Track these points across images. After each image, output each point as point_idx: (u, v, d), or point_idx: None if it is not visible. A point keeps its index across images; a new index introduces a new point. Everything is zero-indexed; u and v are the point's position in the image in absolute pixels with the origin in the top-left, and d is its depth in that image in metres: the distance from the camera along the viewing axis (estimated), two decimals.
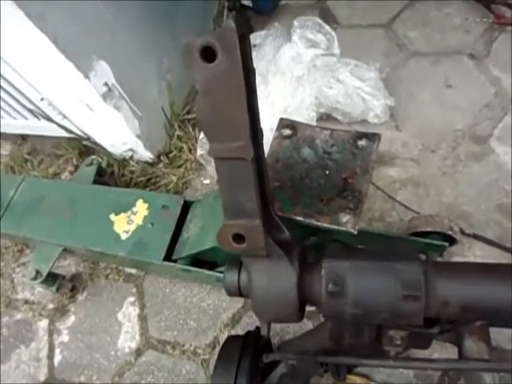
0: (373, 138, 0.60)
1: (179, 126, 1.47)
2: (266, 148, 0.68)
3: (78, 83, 1.12)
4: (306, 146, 0.62)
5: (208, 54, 0.41)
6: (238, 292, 0.56)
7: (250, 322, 1.12)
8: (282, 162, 0.61)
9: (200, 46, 0.40)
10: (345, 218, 0.55)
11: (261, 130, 0.50)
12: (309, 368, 0.78)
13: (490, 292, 0.48)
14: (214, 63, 0.41)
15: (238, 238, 0.50)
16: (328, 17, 1.66)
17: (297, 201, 0.58)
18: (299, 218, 0.57)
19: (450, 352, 0.88)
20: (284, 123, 0.66)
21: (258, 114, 0.49)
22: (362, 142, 0.60)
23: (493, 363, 0.55)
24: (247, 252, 0.51)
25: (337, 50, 1.30)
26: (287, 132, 0.64)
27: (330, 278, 0.50)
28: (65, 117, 1.32)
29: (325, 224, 0.56)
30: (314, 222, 0.56)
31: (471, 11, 1.51)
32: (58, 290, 1.26)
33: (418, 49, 1.47)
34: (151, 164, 1.45)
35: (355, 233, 0.54)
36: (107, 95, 1.19)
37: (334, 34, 1.30)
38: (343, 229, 0.54)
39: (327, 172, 0.59)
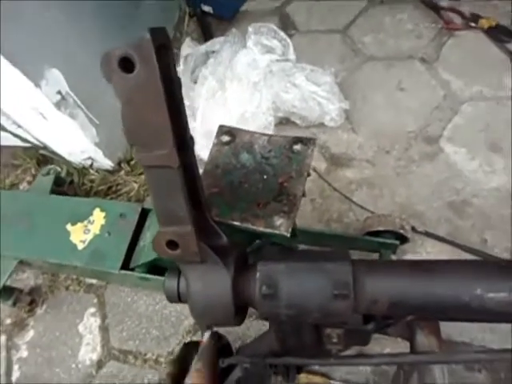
0: (308, 142, 0.62)
1: None
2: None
3: (29, 92, 1.10)
4: (244, 152, 0.63)
5: (127, 64, 0.41)
6: (177, 298, 0.56)
7: None
8: (221, 168, 0.62)
9: (118, 56, 0.41)
10: (279, 221, 0.56)
11: (191, 138, 0.51)
12: (261, 371, 0.79)
13: (415, 288, 0.50)
14: (133, 74, 0.41)
15: (172, 244, 0.50)
16: (287, 23, 1.70)
17: (234, 206, 0.59)
18: (236, 223, 0.58)
19: (403, 347, 0.91)
20: (223, 130, 0.67)
21: (185, 122, 0.49)
22: (297, 147, 0.62)
23: (425, 355, 0.57)
24: (182, 258, 0.51)
25: (292, 56, 1.33)
26: (226, 138, 0.65)
27: (263, 281, 0.51)
28: (19, 126, 1.29)
29: (260, 228, 0.57)
30: (250, 226, 0.57)
31: (422, 17, 1.57)
32: (15, 304, 1.22)
33: (373, 53, 1.52)
34: (112, 172, 1.44)
35: (288, 235, 0.55)
36: (61, 103, 1.17)
37: (288, 40, 1.33)
38: (277, 232, 0.56)
39: (265, 176, 0.61)
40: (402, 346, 0.90)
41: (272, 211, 0.57)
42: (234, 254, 0.55)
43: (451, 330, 1.02)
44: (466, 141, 1.27)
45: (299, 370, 0.75)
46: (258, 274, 0.51)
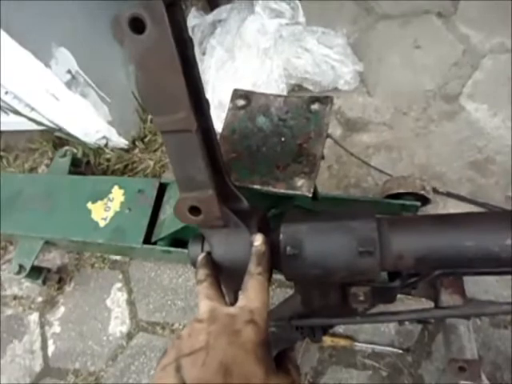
0: (325, 101, 0.60)
1: None
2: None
3: (40, 73, 1.10)
4: (260, 115, 0.62)
5: (137, 25, 0.40)
6: None
7: None
8: (237, 133, 0.61)
9: (128, 17, 0.40)
10: (300, 182, 0.55)
11: (206, 101, 0.50)
12: (288, 334, 0.80)
13: (441, 241, 0.49)
14: (144, 34, 0.40)
15: (194, 210, 0.50)
16: None
17: (254, 170, 0.58)
18: (256, 186, 0.57)
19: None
20: (238, 94, 0.65)
21: (200, 84, 0.48)
22: (314, 106, 0.60)
23: (454, 309, 0.57)
24: (204, 223, 0.51)
25: (302, 19, 1.28)
26: (241, 102, 0.64)
27: (287, 242, 0.51)
28: (32, 109, 1.30)
29: (281, 190, 0.56)
30: (270, 188, 0.56)
31: None
32: (44, 282, 1.27)
33: (386, 11, 1.46)
34: (127, 150, 1.44)
35: (310, 195, 0.54)
36: (72, 83, 1.17)
37: (297, 2, 1.28)
38: (298, 193, 0.55)
39: (283, 139, 0.59)
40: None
41: (292, 173, 0.56)
42: (256, 218, 0.54)
43: (475, 288, 1.02)
44: (488, 97, 1.22)
45: (325, 330, 0.76)
46: (281, 236, 0.51)
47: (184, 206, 0.51)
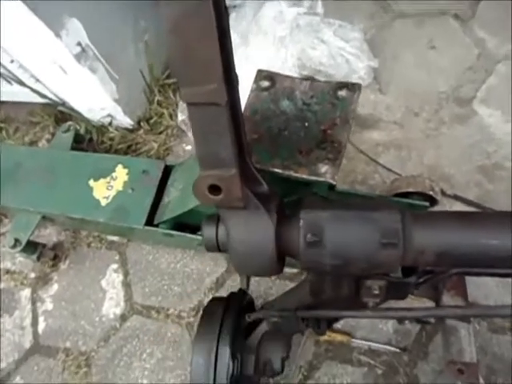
0: (353, 88, 0.59)
1: (159, 91, 1.43)
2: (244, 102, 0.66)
3: (49, 43, 1.07)
4: (284, 98, 0.60)
5: None
6: (216, 247, 0.55)
7: (233, 286, 1.13)
8: (260, 115, 0.60)
9: None
10: (323, 168, 0.54)
11: (236, 75, 0.48)
12: (290, 324, 0.79)
13: (463, 238, 0.48)
14: None
15: (214, 189, 0.48)
16: None
17: (275, 153, 0.57)
18: (277, 170, 0.56)
19: None
20: (262, 75, 0.63)
21: (232, 57, 0.46)
22: (342, 93, 0.58)
23: (469, 308, 0.56)
24: (224, 204, 0.50)
25: (320, 9, 1.26)
26: (265, 84, 0.62)
27: (308, 229, 0.49)
28: (37, 80, 1.26)
29: (303, 175, 0.54)
30: (292, 173, 0.55)
31: None
32: (39, 258, 1.24)
33: (403, 10, 1.44)
34: (131, 130, 1.41)
35: (334, 183, 0.53)
36: (81, 56, 1.14)
37: None
38: (322, 179, 0.53)
39: (306, 124, 0.58)
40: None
41: (315, 159, 0.55)
42: (276, 202, 0.53)
43: (476, 292, 1.02)
44: (501, 103, 1.21)
45: (330, 323, 0.75)
46: (301, 222, 0.50)
47: (204, 185, 0.49)
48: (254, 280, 1.06)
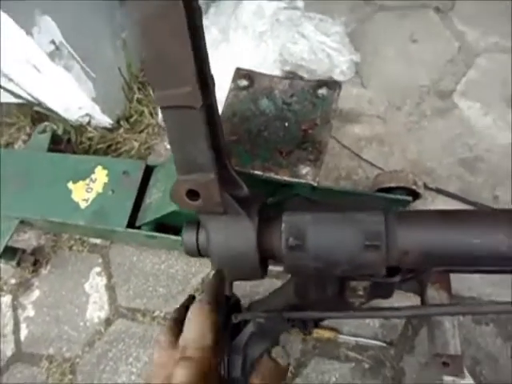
0: (333, 86, 0.57)
1: (139, 89, 1.39)
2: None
3: (21, 41, 1.03)
4: (264, 97, 0.58)
5: None
6: (197, 252, 0.53)
7: None
8: (239, 115, 0.58)
9: None
10: (305, 169, 0.53)
11: (211, 77, 0.46)
12: (277, 325, 0.78)
13: (448, 238, 0.48)
14: None
15: (193, 194, 0.47)
16: None
17: (255, 155, 0.55)
18: (258, 172, 0.54)
19: (413, 301, 0.92)
20: (240, 73, 0.62)
21: (206, 58, 0.45)
22: (322, 91, 0.57)
23: (452, 306, 0.56)
24: (203, 209, 0.48)
25: (300, 3, 1.24)
26: (244, 83, 0.60)
27: (290, 232, 0.48)
28: (10, 79, 1.22)
29: (284, 177, 0.53)
30: (273, 175, 0.54)
31: None
32: (18, 264, 1.20)
33: (385, 3, 1.44)
34: (111, 130, 1.38)
35: (315, 184, 0.52)
36: (55, 54, 1.10)
37: None
38: (303, 181, 0.52)
39: (286, 124, 0.56)
40: (413, 301, 0.90)
41: (296, 160, 0.54)
42: (256, 206, 0.52)
43: (459, 285, 1.03)
44: (480, 95, 1.22)
45: (316, 323, 0.74)
46: (283, 225, 0.49)
47: (181, 190, 0.47)
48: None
